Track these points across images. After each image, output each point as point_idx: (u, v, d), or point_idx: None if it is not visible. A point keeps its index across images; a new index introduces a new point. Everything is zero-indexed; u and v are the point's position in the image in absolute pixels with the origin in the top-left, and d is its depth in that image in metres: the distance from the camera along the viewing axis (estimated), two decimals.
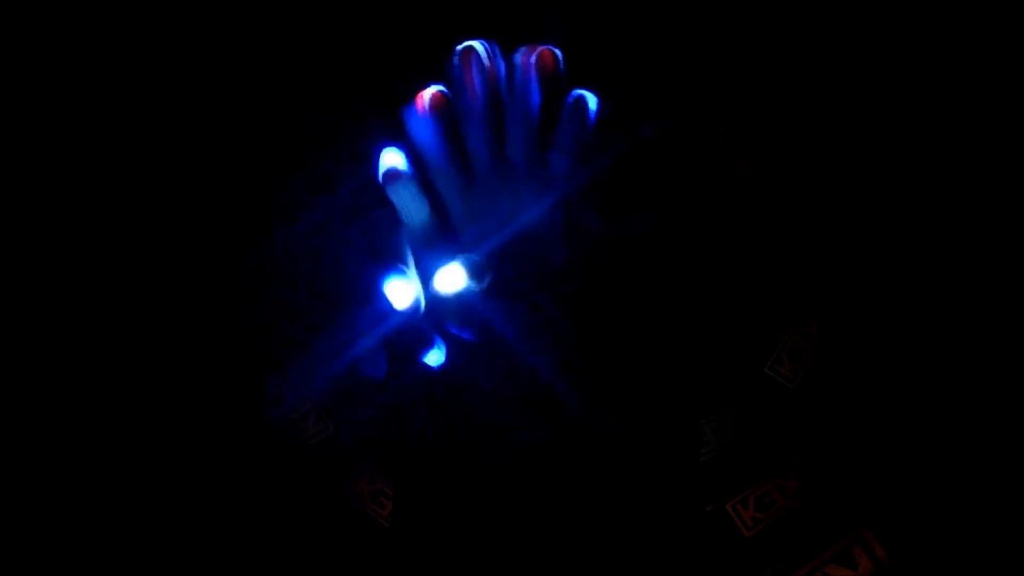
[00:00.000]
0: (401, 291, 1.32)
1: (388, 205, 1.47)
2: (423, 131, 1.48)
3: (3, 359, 1.92)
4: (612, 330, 1.68)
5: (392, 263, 1.32)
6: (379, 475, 1.84)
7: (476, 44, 1.46)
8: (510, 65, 1.49)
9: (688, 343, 1.82)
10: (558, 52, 1.44)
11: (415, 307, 1.33)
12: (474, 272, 1.40)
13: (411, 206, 1.48)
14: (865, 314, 1.80)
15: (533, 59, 1.45)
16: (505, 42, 1.60)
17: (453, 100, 1.48)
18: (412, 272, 1.37)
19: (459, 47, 1.46)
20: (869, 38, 1.90)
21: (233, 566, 1.80)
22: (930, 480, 1.69)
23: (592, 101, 1.45)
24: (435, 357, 1.44)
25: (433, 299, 1.41)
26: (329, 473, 1.85)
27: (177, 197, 2.01)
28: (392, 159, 1.46)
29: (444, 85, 1.47)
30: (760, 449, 1.75)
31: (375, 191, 1.52)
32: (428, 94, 1.46)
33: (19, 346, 1.94)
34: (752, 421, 1.77)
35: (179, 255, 1.99)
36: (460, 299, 1.44)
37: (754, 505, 1.73)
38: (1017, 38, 1.85)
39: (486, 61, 1.47)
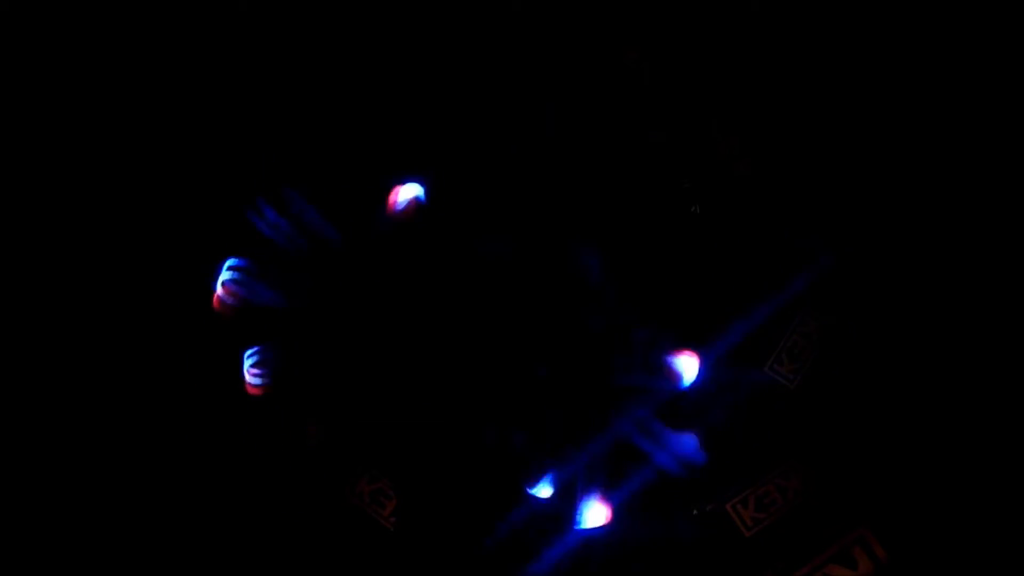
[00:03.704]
0: None
1: None
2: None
3: (14, 360, 1.93)
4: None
5: None
6: (379, 475, 1.84)
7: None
8: None
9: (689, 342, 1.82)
10: None
11: None
12: None
13: None
14: (864, 314, 1.80)
15: None
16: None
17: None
18: None
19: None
20: (869, 38, 1.90)
21: (235, 566, 1.81)
22: (930, 480, 1.69)
23: None
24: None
25: None
26: (330, 474, 1.86)
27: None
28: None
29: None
30: (760, 449, 1.75)
31: None
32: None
33: (25, 347, 1.94)
34: (752, 421, 1.77)
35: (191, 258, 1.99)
36: None
37: (754, 505, 1.74)
38: (1017, 38, 1.84)
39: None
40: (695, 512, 1.72)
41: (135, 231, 1.99)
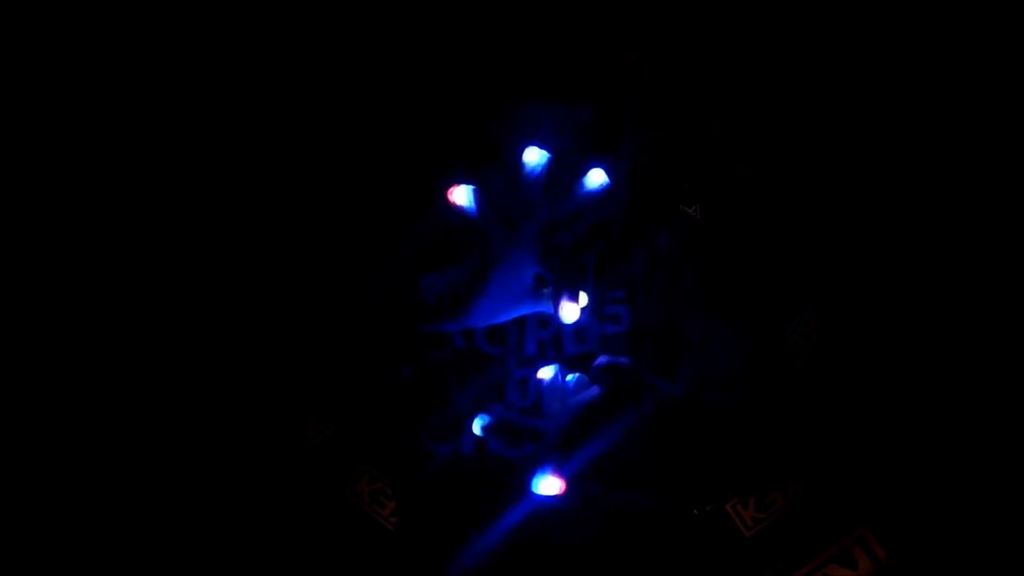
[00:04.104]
0: None
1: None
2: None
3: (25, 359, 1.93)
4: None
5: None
6: (379, 475, 1.85)
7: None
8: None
9: (691, 343, 1.82)
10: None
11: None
12: None
13: None
14: (865, 315, 1.81)
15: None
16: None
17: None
18: None
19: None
20: (868, 38, 1.90)
21: (234, 566, 1.81)
22: (930, 480, 1.69)
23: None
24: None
25: None
26: (329, 473, 1.86)
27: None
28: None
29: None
30: (760, 449, 1.75)
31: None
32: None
33: (30, 347, 1.95)
34: (753, 422, 1.77)
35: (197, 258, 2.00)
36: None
37: (754, 505, 1.74)
38: (1017, 38, 1.85)
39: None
40: (695, 512, 1.72)
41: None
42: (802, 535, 1.70)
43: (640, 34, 1.89)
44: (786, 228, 1.84)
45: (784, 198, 1.86)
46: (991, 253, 1.81)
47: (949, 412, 1.73)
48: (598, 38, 1.88)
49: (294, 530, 1.82)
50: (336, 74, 2.01)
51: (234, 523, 1.83)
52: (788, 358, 1.81)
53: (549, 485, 1.60)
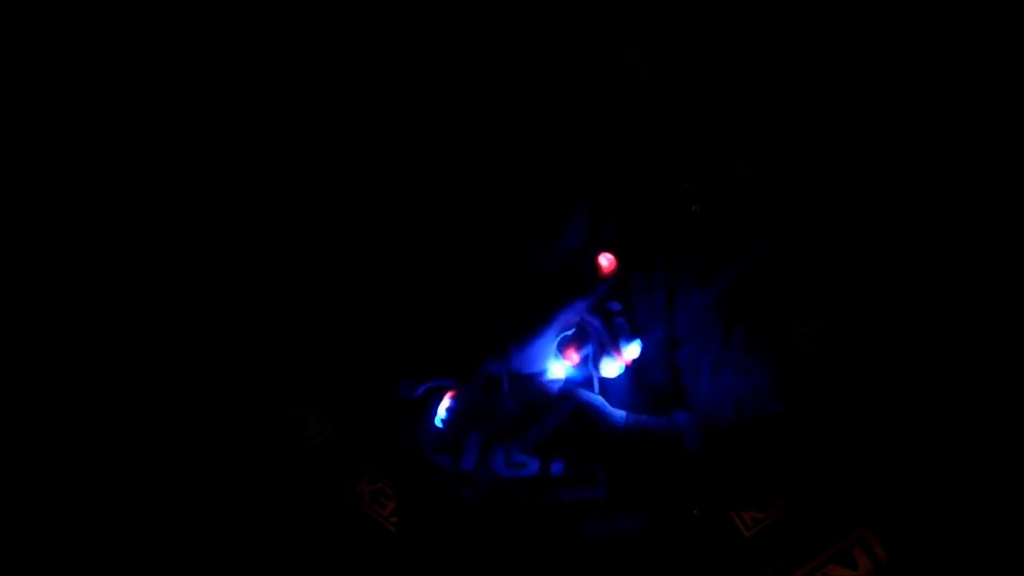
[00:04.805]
0: None
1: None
2: None
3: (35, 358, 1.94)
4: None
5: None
6: (379, 475, 1.85)
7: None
8: None
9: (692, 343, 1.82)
10: None
11: None
12: None
13: None
14: (865, 315, 1.81)
15: None
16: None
17: None
18: None
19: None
20: (868, 38, 1.90)
21: (234, 566, 1.81)
22: (930, 480, 1.69)
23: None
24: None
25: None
26: (329, 473, 1.86)
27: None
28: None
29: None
30: (760, 449, 1.75)
31: None
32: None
33: (31, 347, 1.95)
34: (752, 421, 1.77)
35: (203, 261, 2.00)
36: None
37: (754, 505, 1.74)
38: (1017, 38, 1.85)
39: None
40: (695, 512, 1.72)
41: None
42: (802, 535, 1.70)
43: (640, 34, 1.89)
44: (786, 228, 1.84)
45: (784, 198, 1.86)
46: (989, 251, 1.81)
47: (949, 412, 1.73)
48: (598, 38, 1.88)
49: (294, 530, 1.82)
50: (336, 71, 2.02)
51: (234, 523, 1.83)
52: (789, 359, 1.81)
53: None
